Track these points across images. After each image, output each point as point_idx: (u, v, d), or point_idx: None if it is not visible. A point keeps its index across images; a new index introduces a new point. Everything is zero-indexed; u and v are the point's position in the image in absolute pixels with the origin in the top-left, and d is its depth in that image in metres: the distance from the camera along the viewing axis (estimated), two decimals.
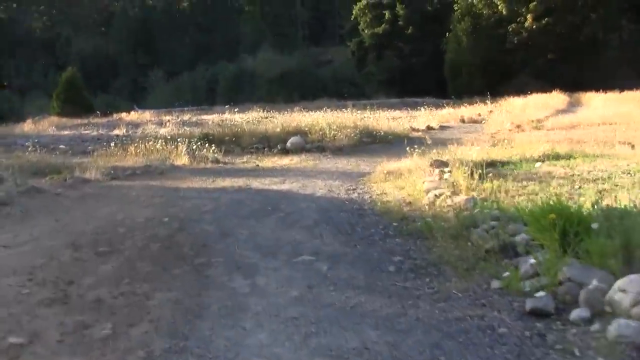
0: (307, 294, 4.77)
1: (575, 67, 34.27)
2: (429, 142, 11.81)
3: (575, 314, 3.91)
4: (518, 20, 37.01)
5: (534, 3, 35.96)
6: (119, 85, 55.56)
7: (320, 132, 16.38)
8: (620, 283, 3.92)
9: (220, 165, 13.47)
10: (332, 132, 16.16)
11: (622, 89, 27.15)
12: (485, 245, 5.39)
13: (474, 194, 7.30)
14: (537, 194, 7.52)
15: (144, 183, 10.98)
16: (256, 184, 10.24)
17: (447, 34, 41.48)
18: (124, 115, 34.20)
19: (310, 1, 67.43)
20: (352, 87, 46.42)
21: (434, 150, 11.69)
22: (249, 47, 54.32)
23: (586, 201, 5.90)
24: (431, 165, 9.74)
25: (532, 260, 4.59)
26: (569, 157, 10.89)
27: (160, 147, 14.93)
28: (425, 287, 4.82)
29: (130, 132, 22.72)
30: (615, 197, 6.25)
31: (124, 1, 65.70)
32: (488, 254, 5.26)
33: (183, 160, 13.73)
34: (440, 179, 8.59)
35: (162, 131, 20.19)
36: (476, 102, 30.36)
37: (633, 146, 11.81)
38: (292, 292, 4.81)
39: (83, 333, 4.18)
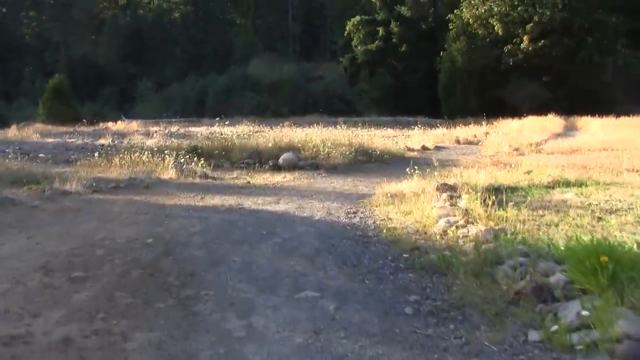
0: (313, 341, 4.07)
1: (571, 90, 33.94)
2: (435, 163, 11.09)
3: None
4: (514, 41, 36.63)
5: (531, 25, 35.62)
6: (108, 94, 54.84)
7: (314, 149, 15.70)
8: None
9: (209, 180, 12.71)
10: (327, 149, 15.50)
11: (617, 114, 26.83)
12: (515, 286, 4.72)
13: (492, 223, 6.63)
14: (556, 225, 6.91)
15: (127, 198, 10.21)
16: (249, 203, 9.50)
17: (442, 53, 41.11)
18: (110, 124, 33.52)
19: (303, 16, 67.17)
20: (343, 104, 46.05)
21: (434, 172, 11.09)
22: (240, 60, 53.86)
23: (624, 238, 5.26)
24: (437, 189, 9.08)
25: (584, 312, 3.90)
26: (579, 184, 10.28)
27: (147, 159, 14.21)
28: (452, 336, 4.14)
29: (116, 142, 22.02)
30: None
31: (115, 10, 65.02)
32: (518, 297, 4.59)
33: (170, 173, 12.98)
34: (451, 205, 7.92)
35: (149, 142, 19.51)
36: (470, 123, 29.96)
37: None
38: (295, 338, 4.11)
39: None
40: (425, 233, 7.05)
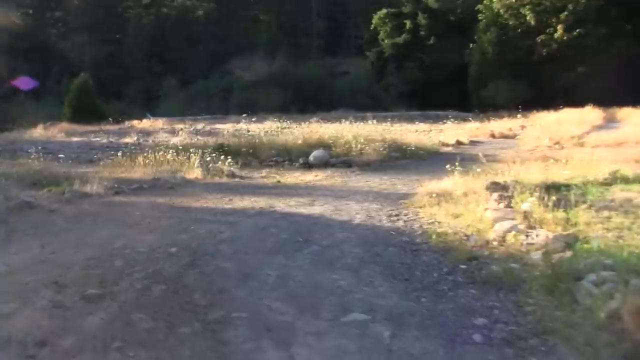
0: None
1: (608, 81, 32.63)
2: (474, 159, 10.32)
3: None
4: (547, 31, 35.46)
5: (565, 13, 34.43)
6: (133, 93, 54.55)
7: (346, 146, 14.99)
8: None
9: (237, 180, 12.05)
10: (359, 145, 14.77)
11: None
12: (604, 308, 3.96)
13: (559, 228, 5.85)
14: (629, 229, 6.10)
15: (150, 200, 9.58)
16: (280, 205, 8.79)
17: (471, 44, 40.02)
18: (135, 123, 33.13)
19: (327, 12, 66.31)
20: (369, 99, 45.20)
21: (476, 168, 10.34)
22: (265, 57, 53.16)
23: None
24: (487, 188, 8.30)
25: None
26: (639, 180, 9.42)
27: (171, 158, 13.61)
28: None
29: (141, 140, 21.52)
30: None
31: (139, 9, 64.80)
32: (611, 321, 3.82)
33: (195, 173, 12.34)
34: (507, 206, 7.13)
35: (174, 140, 18.94)
36: (503, 116, 29.11)
37: None
38: None
39: None
40: (480, 239, 6.28)
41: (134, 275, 5.41)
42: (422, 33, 44.35)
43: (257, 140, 15.93)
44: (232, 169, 12.77)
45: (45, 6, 62.69)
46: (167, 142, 17.67)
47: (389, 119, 24.91)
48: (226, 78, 50.89)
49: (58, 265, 5.83)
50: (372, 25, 48.03)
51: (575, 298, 4.29)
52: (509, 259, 5.36)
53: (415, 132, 22.41)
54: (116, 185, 10.49)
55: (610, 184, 9.17)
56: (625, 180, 9.35)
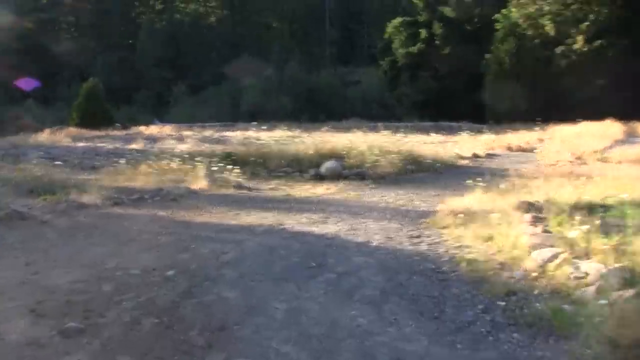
0: None
1: (628, 94, 31.74)
2: (504, 176, 9.62)
3: None
4: (567, 42, 34.52)
5: (586, 24, 33.49)
6: (143, 98, 54.05)
7: (360, 157, 14.28)
8: None
9: (244, 191, 11.33)
10: (373, 157, 14.06)
11: None
12: None
13: (610, 259, 5.11)
14: None
15: (151, 213, 8.89)
16: (291, 222, 8.06)
17: (488, 55, 39.19)
18: (143, 128, 32.49)
19: (340, 20, 65.81)
20: (381, 109, 44.54)
21: (499, 184, 9.68)
22: (276, 64, 52.63)
23: None
24: (517, 208, 7.57)
25: None
26: None
27: (176, 167, 12.95)
28: None
29: (147, 146, 20.88)
30: None
31: (151, 14, 64.44)
32: None
33: (201, 183, 11.65)
34: (544, 231, 6.41)
35: (181, 147, 18.29)
36: (519, 129, 28.30)
37: None
38: None
39: None
40: (516, 267, 5.56)
41: (123, 304, 4.73)
42: (437, 42, 43.54)
43: (266, 150, 15.22)
44: (239, 179, 12.07)
45: (56, 10, 62.42)
46: (173, 149, 17.02)
47: (402, 130, 24.27)
48: (237, 85, 50.30)
49: (40, 288, 5.17)
50: (386, 34, 47.27)
51: None
52: (555, 296, 4.64)
53: (430, 144, 21.68)
54: (115, 196, 9.79)
55: None
56: None
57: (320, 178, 13.09)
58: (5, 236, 7.16)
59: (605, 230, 6.03)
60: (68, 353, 3.85)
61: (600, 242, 5.52)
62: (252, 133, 24.13)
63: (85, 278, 5.44)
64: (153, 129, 31.51)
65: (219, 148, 16.80)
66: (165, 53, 56.72)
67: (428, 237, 7.17)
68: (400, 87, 45.58)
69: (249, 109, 44.36)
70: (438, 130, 30.13)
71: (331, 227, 7.66)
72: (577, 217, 6.24)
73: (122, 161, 13.97)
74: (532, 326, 4.17)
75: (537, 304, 4.51)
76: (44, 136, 27.74)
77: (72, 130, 30.91)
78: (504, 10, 38.48)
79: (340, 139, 17.82)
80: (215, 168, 12.38)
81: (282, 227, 7.73)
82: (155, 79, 55.91)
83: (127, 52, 59.25)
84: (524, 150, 21.73)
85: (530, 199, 8.18)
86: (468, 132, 26.11)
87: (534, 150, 20.86)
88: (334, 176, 13.13)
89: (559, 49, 34.68)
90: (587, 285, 4.68)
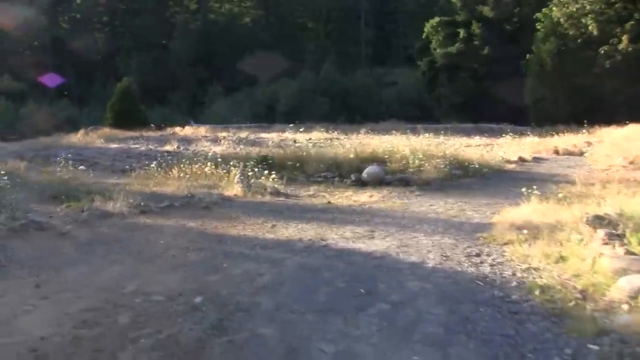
0: None
1: None
2: (546, 178, 8.70)
3: None
4: (610, 42, 33.11)
5: (631, 23, 32.08)
6: (177, 99, 53.85)
7: (403, 162, 13.44)
8: None
9: (281, 199, 10.54)
10: (417, 161, 13.20)
11: None
12: None
13: None
14: None
15: (180, 223, 8.14)
16: (333, 236, 7.23)
17: (528, 55, 37.92)
18: (178, 129, 32.08)
19: (376, 20, 64.87)
20: (417, 110, 43.52)
21: (556, 192, 8.83)
22: (312, 65, 51.95)
23: None
24: (587, 222, 6.65)
25: None
26: None
27: (210, 172, 12.25)
28: None
29: (181, 148, 20.34)
30: None
31: (185, 15, 64.29)
32: None
33: (235, 189, 10.92)
34: (627, 252, 5.50)
35: (216, 149, 17.68)
36: (562, 131, 27.18)
37: None
38: None
39: None
40: (604, 300, 4.67)
41: (140, 342, 3.98)
42: (476, 42, 42.34)
43: (304, 153, 14.44)
44: (276, 185, 11.31)
45: (92, 11, 62.64)
46: (207, 152, 16.39)
47: (442, 132, 23.35)
48: (272, 86, 49.71)
49: (47, 319, 4.46)
50: (424, 34, 46.20)
51: None
52: None
53: (473, 147, 20.73)
54: (143, 203, 9.08)
55: None
56: None
57: (361, 184, 12.29)
58: (18, 251, 6.47)
59: None
60: None
61: None
62: (288, 135, 23.46)
63: (100, 305, 4.71)
64: (188, 130, 31.09)
65: (254, 151, 16.12)
66: (200, 53, 56.46)
67: (489, 255, 6.30)
68: (438, 88, 44.54)
69: (285, 110, 43.75)
70: (479, 133, 29.18)
71: (379, 243, 6.81)
72: None
73: (153, 165, 13.28)
74: None
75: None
76: (77, 137, 27.50)
77: (106, 130, 30.66)
78: (544, 10, 37.18)
79: (380, 142, 17.01)
80: (250, 173, 11.63)
81: (325, 243, 6.89)
82: (189, 80, 55.69)
83: (162, 52, 59.13)
84: (571, 153, 20.72)
85: (598, 210, 7.24)
86: (511, 134, 25.14)
87: (583, 154, 19.82)
88: (376, 182, 12.32)
89: (602, 50, 33.31)
90: None
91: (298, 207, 9.62)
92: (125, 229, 7.76)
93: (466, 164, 14.38)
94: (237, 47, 57.72)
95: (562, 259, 5.84)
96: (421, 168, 12.99)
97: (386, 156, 13.87)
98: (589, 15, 34.61)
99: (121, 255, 6.36)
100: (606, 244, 5.89)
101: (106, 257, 6.30)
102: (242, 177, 11.43)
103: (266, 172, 11.78)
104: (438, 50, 44.39)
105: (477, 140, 24.91)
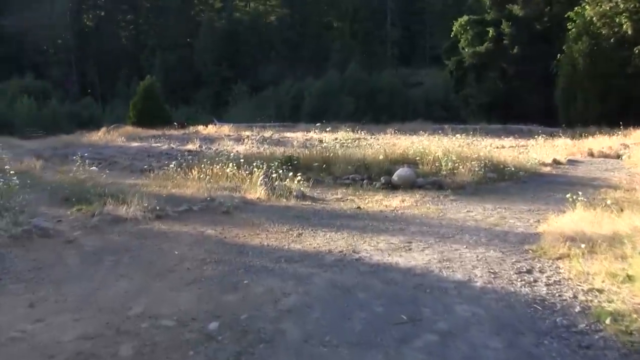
0: None
1: None
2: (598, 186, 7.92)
3: None
4: None
5: None
6: (201, 98, 53.49)
7: (435, 164, 12.68)
8: None
9: (307, 202, 9.82)
10: (450, 163, 12.44)
11: None
12: None
13: None
14: None
15: (198, 231, 7.47)
16: (366, 247, 6.50)
17: (559, 55, 36.85)
18: (201, 128, 31.60)
19: (402, 20, 64.10)
20: (444, 110, 42.75)
21: (603, 198, 8.10)
22: (337, 64, 51.24)
23: None
24: None
25: None
26: None
27: (231, 173, 11.59)
28: None
29: (203, 147, 19.73)
30: None
31: (210, 13, 63.95)
32: None
33: (258, 192, 10.24)
34: None
35: (239, 149, 17.03)
36: (595, 132, 26.27)
37: None
38: None
39: None
40: None
41: None
42: (506, 42, 41.31)
43: (331, 154, 13.71)
44: (301, 188, 10.61)
45: (116, 8, 62.60)
46: (230, 151, 15.73)
47: (470, 132, 22.55)
48: (297, 85, 49.09)
49: (37, 348, 3.82)
50: (452, 33, 45.23)
51: None
52: None
53: (506, 148, 19.90)
54: (158, 207, 8.41)
55: None
56: None
57: (391, 187, 11.55)
58: (17, 261, 5.86)
59: None
60: None
61: None
62: (313, 134, 22.76)
63: (100, 331, 4.06)
64: (211, 129, 30.61)
65: (279, 151, 15.42)
66: (224, 52, 55.98)
67: (542, 272, 5.56)
68: (466, 88, 43.60)
69: (310, 109, 43.12)
70: (508, 134, 28.27)
71: (418, 257, 6.07)
72: None
73: (173, 165, 12.64)
74: None
75: None
76: (99, 135, 27.11)
77: (128, 128, 30.30)
78: (577, 8, 36.11)
79: (409, 143, 16.25)
80: (274, 175, 10.94)
81: (357, 256, 6.15)
82: (214, 78, 55.28)
83: (186, 50, 58.84)
84: (607, 156, 19.81)
85: None
86: (542, 135, 24.25)
87: (620, 157, 18.93)
88: (407, 185, 11.58)
89: (637, 49, 32.23)
90: None
91: (326, 213, 8.90)
92: (138, 236, 7.11)
93: (501, 166, 13.58)
94: (262, 46, 57.26)
95: (630, 278, 5.09)
96: (455, 171, 12.23)
97: (417, 158, 13.12)
98: (623, 14, 33.62)
99: (130, 268, 5.71)
100: None
101: (113, 270, 5.65)
102: (265, 179, 10.76)
103: (291, 173, 11.06)
104: (466, 50, 43.44)
105: (508, 141, 24.07)
